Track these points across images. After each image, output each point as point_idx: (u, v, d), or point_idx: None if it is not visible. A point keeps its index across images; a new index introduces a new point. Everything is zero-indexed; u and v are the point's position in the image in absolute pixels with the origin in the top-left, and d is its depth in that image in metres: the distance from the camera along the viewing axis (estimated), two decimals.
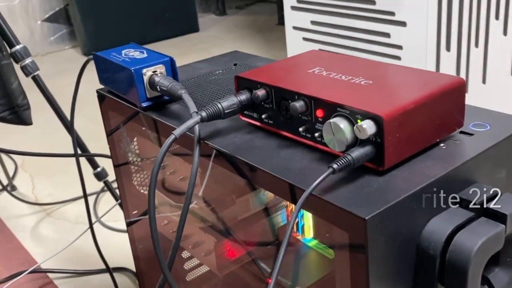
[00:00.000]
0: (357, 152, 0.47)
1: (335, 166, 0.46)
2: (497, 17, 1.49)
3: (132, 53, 0.73)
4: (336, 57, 0.63)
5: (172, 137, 0.56)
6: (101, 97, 0.78)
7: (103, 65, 0.74)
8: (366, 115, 0.48)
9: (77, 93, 0.88)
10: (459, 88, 0.53)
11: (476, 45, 1.56)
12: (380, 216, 0.44)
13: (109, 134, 0.80)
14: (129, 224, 0.86)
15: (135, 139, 0.80)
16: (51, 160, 1.84)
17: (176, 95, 0.65)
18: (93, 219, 1.48)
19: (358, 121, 0.48)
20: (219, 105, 0.58)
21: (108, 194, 1.58)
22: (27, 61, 1.05)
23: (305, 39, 2.07)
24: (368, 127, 0.47)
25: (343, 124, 0.49)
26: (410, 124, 0.49)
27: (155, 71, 0.68)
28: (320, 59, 0.63)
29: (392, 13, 1.69)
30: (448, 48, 1.59)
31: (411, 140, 0.50)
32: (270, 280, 0.75)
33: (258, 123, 0.61)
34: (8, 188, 1.63)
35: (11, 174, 1.69)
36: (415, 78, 0.55)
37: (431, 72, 0.56)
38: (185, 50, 2.90)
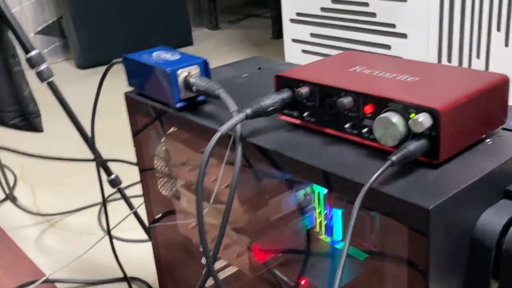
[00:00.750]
0: (413, 145, 0.48)
1: (394, 158, 0.47)
2: (498, 29, 1.52)
3: (163, 55, 0.73)
4: (374, 57, 0.64)
5: (218, 134, 0.56)
6: (129, 100, 0.78)
7: (133, 67, 0.74)
8: (420, 109, 0.48)
9: (98, 97, 0.88)
10: (504, 85, 0.54)
11: (478, 56, 1.58)
12: (442, 206, 0.44)
13: (135, 135, 0.80)
14: (151, 228, 0.86)
15: (162, 140, 0.80)
16: (51, 171, 1.83)
17: (214, 95, 0.65)
18: (100, 230, 1.47)
19: (412, 115, 0.49)
20: (262, 103, 0.59)
21: (112, 205, 1.57)
22: (42, 67, 1.04)
23: (304, 51, 2.09)
24: (424, 120, 0.47)
25: (395, 118, 0.50)
26: (463, 118, 0.50)
27: (189, 72, 0.69)
28: (358, 58, 0.64)
29: (393, 25, 1.71)
30: (449, 60, 1.62)
31: (463, 134, 0.50)
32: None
33: (298, 122, 0.61)
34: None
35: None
36: (460, 75, 0.56)
37: (475, 69, 0.57)
38: None
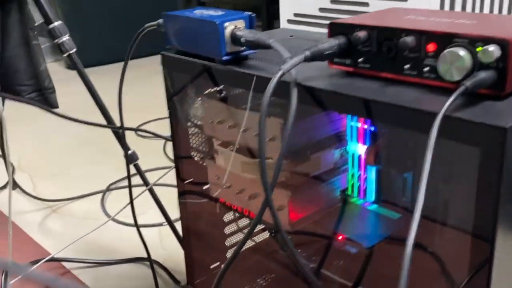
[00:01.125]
0: (483, 74, 0.49)
1: (468, 83, 0.48)
2: None
3: (206, 12, 0.74)
4: (424, 9, 0.65)
5: (279, 72, 0.56)
6: (166, 59, 0.78)
7: (176, 23, 0.75)
8: (489, 41, 0.50)
9: (126, 65, 0.89)
10: None
11: None
12: None
13: (171, 97, 0.80)
14: (180, 198, 0.85)
15: (199, 99, 0.80)
16: (48, 160, 1.82)
17: (264, 45, 0.66)
18: (104, 215, 1.46)
19: (478, 48, 0.51)
20: (320, 46, 0.60)
21: (114, 193, 1.56)
22: (64, 38, 1.04)
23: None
24: (495, 50, 0.49)
25: (462, 52, 0.51)
26: None
27: (236, 26, 0.69)
28: (410, 10, 0.65)
29: None
30: None
31: None
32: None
33: (351, 69, 0.62)
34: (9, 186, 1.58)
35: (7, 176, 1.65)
36: None
37: None
38: None
